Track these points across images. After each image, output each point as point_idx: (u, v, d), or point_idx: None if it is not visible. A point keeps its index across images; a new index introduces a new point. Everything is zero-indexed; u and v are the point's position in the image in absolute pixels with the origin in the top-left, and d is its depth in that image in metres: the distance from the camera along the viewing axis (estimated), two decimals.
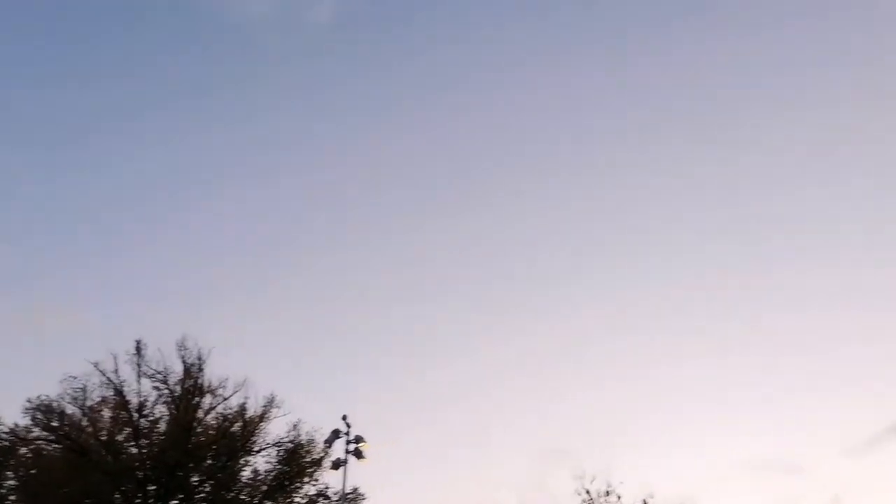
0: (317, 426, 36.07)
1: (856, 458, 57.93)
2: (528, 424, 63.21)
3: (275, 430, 36.01)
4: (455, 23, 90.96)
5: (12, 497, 36.65)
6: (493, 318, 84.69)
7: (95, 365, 33.21)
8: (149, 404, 34.37)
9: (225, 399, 35.02)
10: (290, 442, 36.25)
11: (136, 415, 34.09)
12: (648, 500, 16.93)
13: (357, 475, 33.51)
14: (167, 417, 35.01)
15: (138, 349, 33.90)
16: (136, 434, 34.15)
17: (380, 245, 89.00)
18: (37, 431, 34.46)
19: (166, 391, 34.44)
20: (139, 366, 33.81)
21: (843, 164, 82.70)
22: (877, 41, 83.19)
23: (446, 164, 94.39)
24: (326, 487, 36.51)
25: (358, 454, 29.47)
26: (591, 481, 17.89)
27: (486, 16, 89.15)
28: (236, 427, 35.50)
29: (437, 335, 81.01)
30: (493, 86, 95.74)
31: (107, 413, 35.42)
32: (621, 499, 17.17)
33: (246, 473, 36.63)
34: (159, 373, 34.03)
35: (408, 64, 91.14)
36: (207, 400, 34.92)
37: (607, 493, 17.77)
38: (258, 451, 36.07)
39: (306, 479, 36.74)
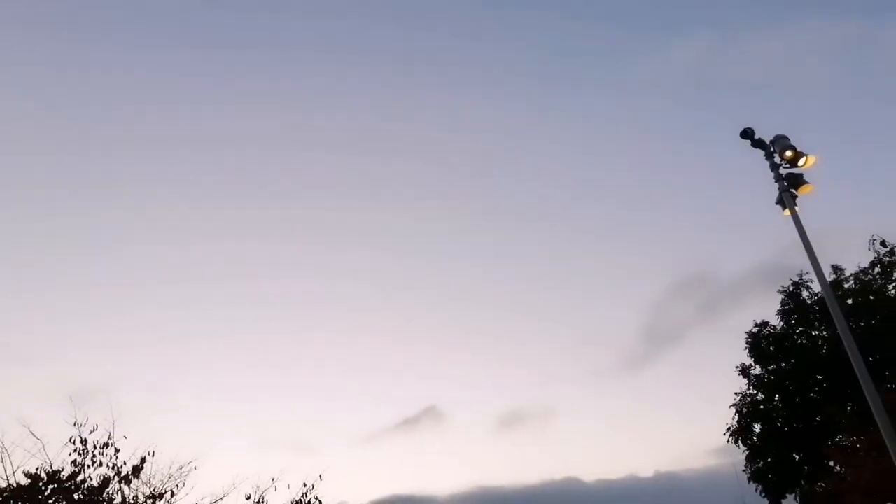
0: None
1: (361, 447, 72.91)
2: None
3: None
4: None
5: None
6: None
7: None
8: None
9: None
10: None
11: None
12: (148, 457, 16.06)
13: None
14: None
15: None
16: None
17: None
18: None
19: None
20: None
21: None
22: None
23: None
24: None
25: None
26: (92, 431, 16.11)
27: None
28: None
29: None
30: None
31: None
32: (119, 452, 15.88)
33: None
34: None
35: None
36: None
37: (105, 445, 16.20)
38: None
39: None
